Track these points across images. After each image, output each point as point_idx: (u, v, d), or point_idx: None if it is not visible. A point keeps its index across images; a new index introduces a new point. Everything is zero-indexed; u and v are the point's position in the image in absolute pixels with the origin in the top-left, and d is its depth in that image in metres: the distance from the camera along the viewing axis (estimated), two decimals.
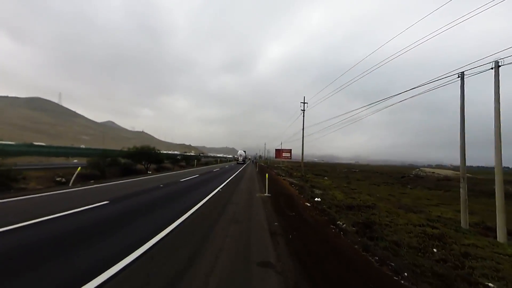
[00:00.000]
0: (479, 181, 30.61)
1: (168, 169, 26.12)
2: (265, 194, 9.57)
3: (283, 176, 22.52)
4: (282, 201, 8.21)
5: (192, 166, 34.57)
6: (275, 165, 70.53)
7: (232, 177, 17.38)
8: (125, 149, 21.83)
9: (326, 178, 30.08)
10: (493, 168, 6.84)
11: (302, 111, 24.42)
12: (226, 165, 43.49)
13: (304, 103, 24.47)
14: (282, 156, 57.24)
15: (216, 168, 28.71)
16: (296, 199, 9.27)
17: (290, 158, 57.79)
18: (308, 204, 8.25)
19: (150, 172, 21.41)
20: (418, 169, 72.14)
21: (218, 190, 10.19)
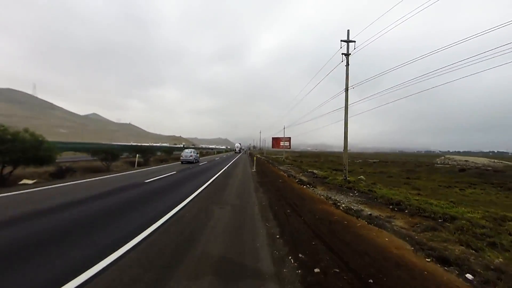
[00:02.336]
0: None
1: (98, 172, 13.68)
2: None
3: (312, 186, 10.38)
4: None
5: (154, 163, 21.70)
6: (273, 156, 58.84)
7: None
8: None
9: (362, 177, 18.49)
10: None
11: (344, 57, 11.96)
12: (202, 163, 23.54)
13: (348, 41, 11.96)
14: (280, 145, 46.66)
15: (169, 172, 14.02)
16: None
17: (290, 148, 47.39)
18: None
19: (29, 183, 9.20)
20: (443, 157, 61.60)
21: None
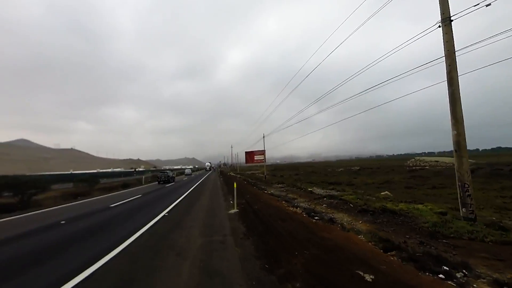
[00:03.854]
0: None
1: None
2: None
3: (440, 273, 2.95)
4: None
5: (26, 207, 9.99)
6: (248, 173, 50.94)
7: None
8: None
9: (388, 193, 12.31)
10: None
11: None
12: (135, 196, 13.04)
13: None
14: (254, 159, 40.15)
15: None
16: None
17: (265, 161, 41.31)
18: None
19: None
20: (413, 159, 62.61)
21: None
